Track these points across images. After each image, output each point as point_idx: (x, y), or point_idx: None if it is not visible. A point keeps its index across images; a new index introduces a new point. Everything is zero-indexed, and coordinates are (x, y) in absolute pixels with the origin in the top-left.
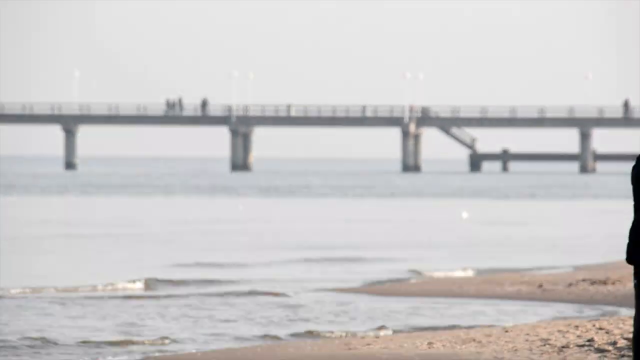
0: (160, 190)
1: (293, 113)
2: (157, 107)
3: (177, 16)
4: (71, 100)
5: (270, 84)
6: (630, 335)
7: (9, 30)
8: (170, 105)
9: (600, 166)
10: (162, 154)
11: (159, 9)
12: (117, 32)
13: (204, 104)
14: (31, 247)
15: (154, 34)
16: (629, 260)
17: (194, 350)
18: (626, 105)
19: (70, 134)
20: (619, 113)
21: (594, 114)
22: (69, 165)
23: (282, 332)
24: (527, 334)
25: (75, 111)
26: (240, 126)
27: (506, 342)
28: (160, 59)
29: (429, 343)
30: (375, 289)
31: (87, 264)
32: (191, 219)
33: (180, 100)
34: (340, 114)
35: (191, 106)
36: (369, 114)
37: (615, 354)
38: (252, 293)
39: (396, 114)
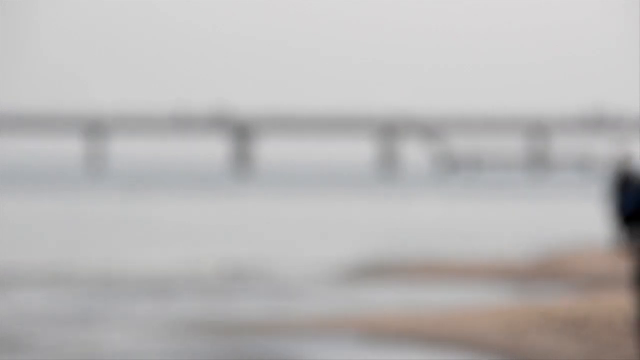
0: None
1: (285, 117)
2: (162, 110)
3: (176, 21)
4: (96, 102)
5: (259, 87)
6: (586, 317)
7: (32, 34)
8: (177, 119)
9: (561, 168)
10: (162, 155)
11: (159, 11)
12: (129, 35)
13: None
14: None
15: (154, 36)
16: None
17: None
18: (598, 111)
19: (94, 136)
20: (578, 118)
21: (553, 116)
22: (92, 165)
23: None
24: (494, 317)
25: (100, 113)
26: (239, 129)
27: (473, 324)
28: (163, 62)
29: (411, 321)
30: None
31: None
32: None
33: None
34: (320, 117)
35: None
36: (347, 116)
37: (573, 335)
38: None
39: (374, 117)
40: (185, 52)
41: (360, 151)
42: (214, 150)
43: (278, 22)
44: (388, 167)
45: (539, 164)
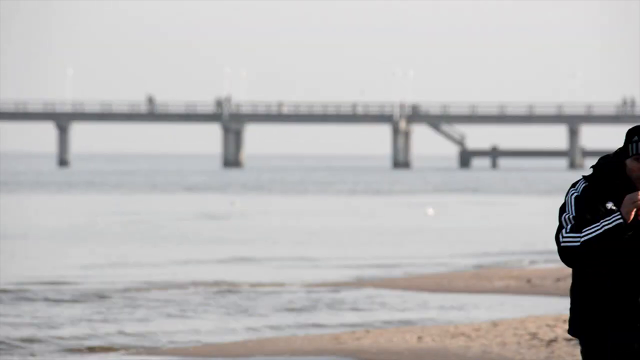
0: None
1: (285, 110)
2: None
3: (168, 14)
4: (64, 97)
5: (262, 81)
6: None
7: (2, 29)
8: (148, 101)
9: (589, 162)
10: (152, 151)
11: (150, 6)
12: (109, 30)
13: (150, 100)
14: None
15: (145, 31)
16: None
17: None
18: (626, 103)
19: (63, 131)
20: (607, 110)
21: (582, 111)
22: (62, 162)
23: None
24: (516, 328)
25: (69, 108)
26: (232, 123)
27: (495, 336)
28: (152, 56)
29: (419, 337)
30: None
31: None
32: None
33: (152, 98)
34: (331, 111)
35: (180, 103)
36: (359, 111)
37: None
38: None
39: (387, 111)
40: (175, 42)
41: (375, 143)
42: (209, 143)
43: (284, 21)
44: (403, 158)
45: (565, 156)
